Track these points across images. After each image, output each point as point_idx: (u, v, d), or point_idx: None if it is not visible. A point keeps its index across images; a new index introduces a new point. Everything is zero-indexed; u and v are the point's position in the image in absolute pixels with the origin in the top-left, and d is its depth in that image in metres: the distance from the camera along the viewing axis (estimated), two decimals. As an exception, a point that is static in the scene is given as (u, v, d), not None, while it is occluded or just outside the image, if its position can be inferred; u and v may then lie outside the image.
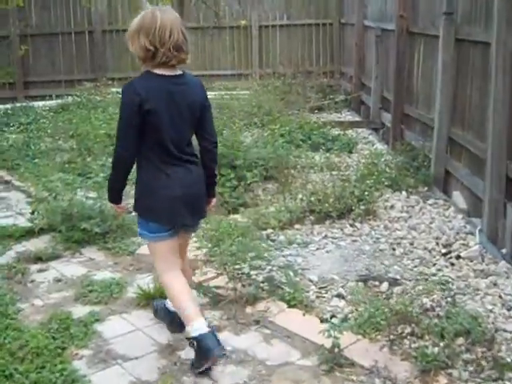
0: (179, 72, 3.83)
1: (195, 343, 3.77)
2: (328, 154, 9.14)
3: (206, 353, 3.75)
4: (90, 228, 5.88)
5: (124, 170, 3.88)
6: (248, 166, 7.65)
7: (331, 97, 13.22)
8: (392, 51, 9.61)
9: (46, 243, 6.03)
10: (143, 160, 3.85)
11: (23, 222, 6.49)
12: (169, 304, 4.24)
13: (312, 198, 6.60)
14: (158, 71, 3.77)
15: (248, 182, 7.38)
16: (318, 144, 9.48)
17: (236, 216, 6.79)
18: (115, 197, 4.03)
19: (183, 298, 3.93)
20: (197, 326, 3.80)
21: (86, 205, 6.15)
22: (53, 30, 15.17)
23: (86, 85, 14.09)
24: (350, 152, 9.43)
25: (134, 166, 3.92)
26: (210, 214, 4.74)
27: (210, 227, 6.01)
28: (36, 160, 8.85)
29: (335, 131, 10.39)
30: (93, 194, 6.76)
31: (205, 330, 3.78)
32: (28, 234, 6.20)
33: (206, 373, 3.84)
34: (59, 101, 13.69)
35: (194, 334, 3.78)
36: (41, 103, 13.94)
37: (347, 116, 12.42)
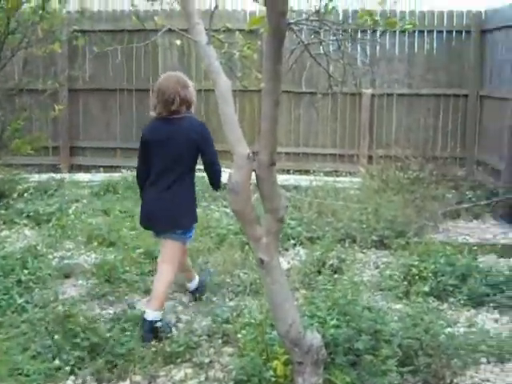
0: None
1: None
2: (497, 316, 5.62)
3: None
4: None
5: None
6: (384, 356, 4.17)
7: (467, 195, 9.55)
8: None
9: None
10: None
11: None
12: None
13: None
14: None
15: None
16: (479, 294, 5.87)
17: None
18: None
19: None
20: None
21: None
22: (109, 86, 12.03)
23: (144, 157, 10.83)
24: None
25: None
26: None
27: None
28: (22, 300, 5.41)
29: (496, 262, 6.83)
30: None
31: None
32: None
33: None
34: (107, 175, 10.51)
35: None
36: (86, 176, 10.89)
37: (495, 230, 8.66)
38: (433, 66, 11.30)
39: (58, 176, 10.66)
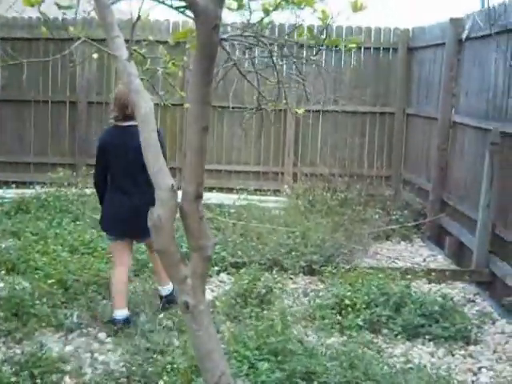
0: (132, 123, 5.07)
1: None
2: (434, 349, 5.37)
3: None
4: None
5: None
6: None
7: (395, 215, 9.32)
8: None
9: None
10: None
11: None
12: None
13: None
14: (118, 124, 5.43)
15: None
16: (414, 325, 5.59)
17: None
18: None
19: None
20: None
21: None
22: (24, 97, 11.39)
23: (60, 173, 10.29)
24: (467, 343, 5.54)
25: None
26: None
27: None
28: None
29: (428, 290, 6.61)
30: None
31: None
32: None
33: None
34: (19, 191, 9.87)
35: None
36: (-3, 192, 10.21)
37: (424, 252, 8.51)
38: (359, 83, 11.06)
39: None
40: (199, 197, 3.10)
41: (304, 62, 4.55)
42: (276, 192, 10.68)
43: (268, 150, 11.26)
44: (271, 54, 3.41)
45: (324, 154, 11.20)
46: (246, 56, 4.13)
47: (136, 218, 5.14)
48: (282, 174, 11.15)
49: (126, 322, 5.29)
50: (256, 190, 10.57)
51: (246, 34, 3.18)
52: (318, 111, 11.07)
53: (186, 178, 3.08)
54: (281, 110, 10.47)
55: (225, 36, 3.02)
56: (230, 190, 10.65)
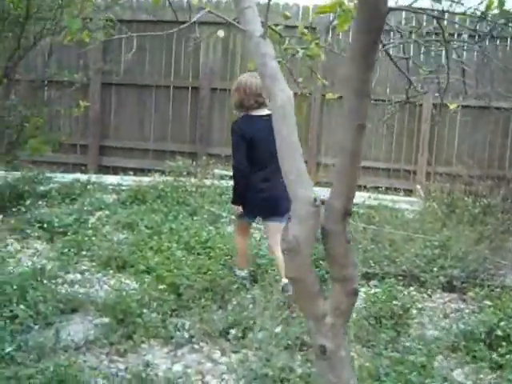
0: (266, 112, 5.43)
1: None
2: None
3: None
4: None
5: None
6: None
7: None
8: None
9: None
10: None
11: None
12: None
13: None
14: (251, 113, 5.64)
15: None
16: None
17: None
18: None
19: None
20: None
21: None
22: (146, 82, 10.99)
23: (179, 161, 9.81)
24: None
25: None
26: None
27: None
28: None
29: None
30: None
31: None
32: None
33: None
34: (137, 179, 9.43)
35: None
36: (115, 179, 9.87)
37: None
38: (502, 75, 9.95)
39: (84, 177, 9.66)
40: (348, 214, 2.41)
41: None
42: (407, 192, 9.84)
43: (400, 146, 10.42)
44: (444, 36, 2.67)
45: (461, 152, 10.23)
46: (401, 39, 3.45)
47: (266, 206, 5.60)
48: (415, 172, 10.29)
49: (245, 279, 5.80)
50: (387, 189, 9.76)
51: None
52: (457, 106, 10.07)
53: (333, 188, 2.40)
54: (414, 103, 9.60)
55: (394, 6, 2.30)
56: (357, 188, 9.85)
